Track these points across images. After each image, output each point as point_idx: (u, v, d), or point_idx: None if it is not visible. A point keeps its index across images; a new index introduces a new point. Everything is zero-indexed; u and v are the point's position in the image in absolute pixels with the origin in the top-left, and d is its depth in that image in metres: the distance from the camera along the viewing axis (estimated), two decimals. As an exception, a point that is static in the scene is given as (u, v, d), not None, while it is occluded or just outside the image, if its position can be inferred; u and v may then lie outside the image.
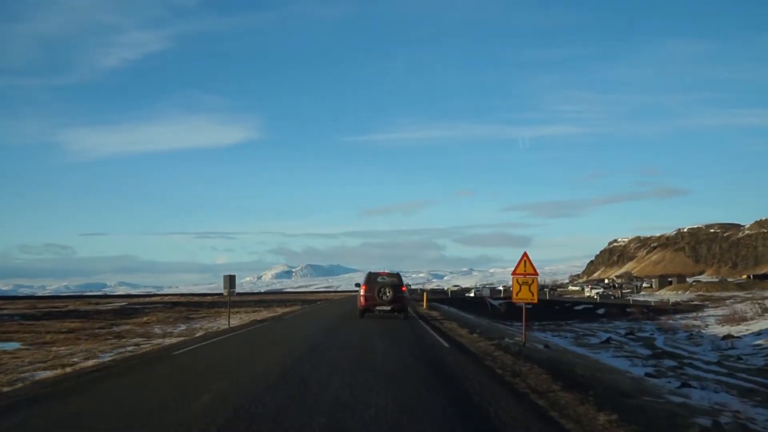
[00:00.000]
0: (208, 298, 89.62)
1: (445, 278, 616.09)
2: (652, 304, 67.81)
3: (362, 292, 23.29)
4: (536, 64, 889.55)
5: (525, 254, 14.86)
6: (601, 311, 56.75)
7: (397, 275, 24.01)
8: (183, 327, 25.78)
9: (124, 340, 19.92)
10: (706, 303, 67.84)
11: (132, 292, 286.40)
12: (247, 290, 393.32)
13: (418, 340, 16.50)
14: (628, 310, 55.16)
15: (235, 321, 26.97)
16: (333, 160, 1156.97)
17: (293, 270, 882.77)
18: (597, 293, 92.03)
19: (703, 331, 33.79)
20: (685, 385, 13.09)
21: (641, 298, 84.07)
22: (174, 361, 12.63)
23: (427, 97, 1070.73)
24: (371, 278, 23.48)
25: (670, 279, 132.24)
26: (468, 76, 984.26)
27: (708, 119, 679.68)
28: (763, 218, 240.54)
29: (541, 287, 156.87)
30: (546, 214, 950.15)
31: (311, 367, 10.75)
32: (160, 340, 18.95)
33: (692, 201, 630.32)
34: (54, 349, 17.55)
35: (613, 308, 58.02)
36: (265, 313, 34.50)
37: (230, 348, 15.42)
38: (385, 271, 24.18)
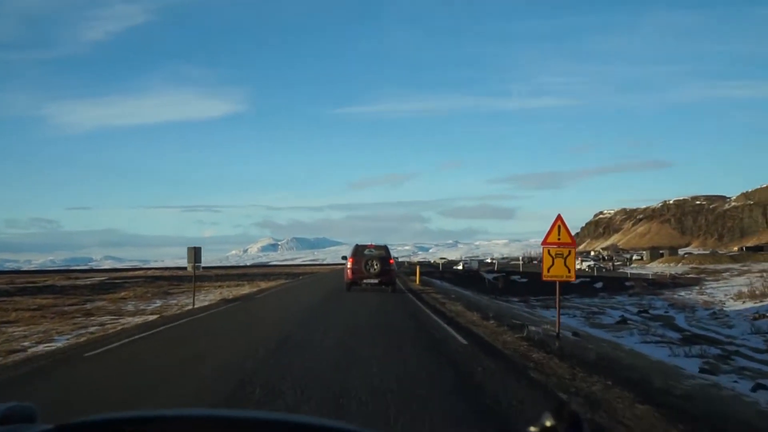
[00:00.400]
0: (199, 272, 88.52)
1: (431, 251, 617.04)
2: (650, 277, 65.97)
3: (349, 265, 23.04)
4: (523, 35, 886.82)
5: (559, 217, 11.77)
6: (598, 285, 54.22)
7: (385, 248, 23.75)
8: (159, 303, 23.95)
9: (92, 318, 18.33)
10: (702, 276, 66.28)
11: (117, 266, 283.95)
12: (233, 263, 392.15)
13: (424, 333, 12.52)
14: (627, 284, 53.18)
15: (215, 297, 24.83)
16: (319, 132, 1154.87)
17: (279, 243, 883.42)
18: (588, 266, 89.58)
19: (725, 308, 31.60)
20: (759, 386, 10.85)
21: (634, 271, 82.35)
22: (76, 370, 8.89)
23: (414, 69, 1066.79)
24: (358, 251, 23.26)
25: (661, 251, 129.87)
26: (456, 48, 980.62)
27: (693, 92, 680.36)
28: (750, 190, 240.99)
29: (530, 259, 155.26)
30: (531, 186, 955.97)
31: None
32: (129, 319, 16.98)
33: (676, 173, 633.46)
34: (11, 329, 15.78)
35: (611, 282, 56.06)
36: (247, 288, 32.45)
37: (166, 346, 11.31)
38: (372, 243, 23.94)
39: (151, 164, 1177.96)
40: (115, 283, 42.37)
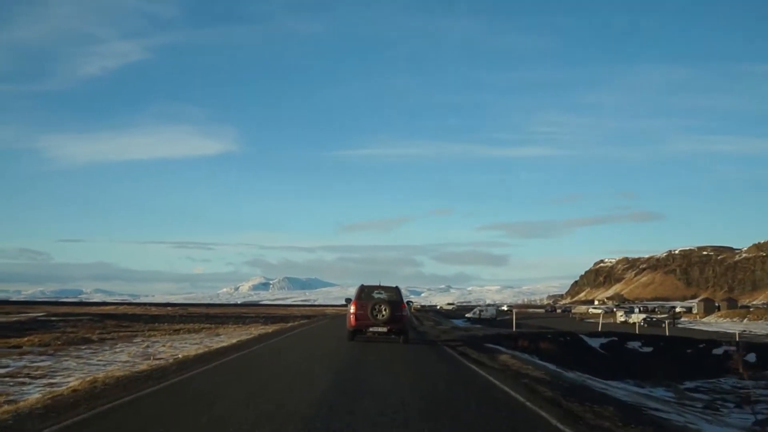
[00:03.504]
0: (168, 310, 78.87)
1: (423, 295, 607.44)
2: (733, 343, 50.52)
3: (352, 310, 19.48)
4: (515, 86, 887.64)
5: None
6: (719, 351, 35.60)
7: (396, 289, 20.53)
8: (48, 362, 13.67)
9: None
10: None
11: (107, 299, 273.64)
12: (224, 301, 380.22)
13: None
14: (716, 351, 38.98)
15: (134, 357, 14.60)
16: (312, 174, 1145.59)
17: (271, 282, 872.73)
18: (643, 320, 74.98)
19: None
20: None
21: (703, 327, 68.33)
22: None
23: (406, 115, 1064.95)
24: (364, 293, 20.09)
25: (717, 304, 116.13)
26: (448, 96, 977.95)
27: (683, 145, 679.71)
28: (762, 241, 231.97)
29: (552, 308, 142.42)
30: (522, 234, 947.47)
31: None
32: None
33: (669, 226, 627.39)
34: None
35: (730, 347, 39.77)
36: (220, 341, 22.21)
37: None
38: (381, 284, 20.74)
39: (143, 200, 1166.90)
40: (49, 321, 34.22)
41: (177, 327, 33.41)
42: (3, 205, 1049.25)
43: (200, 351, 16.83)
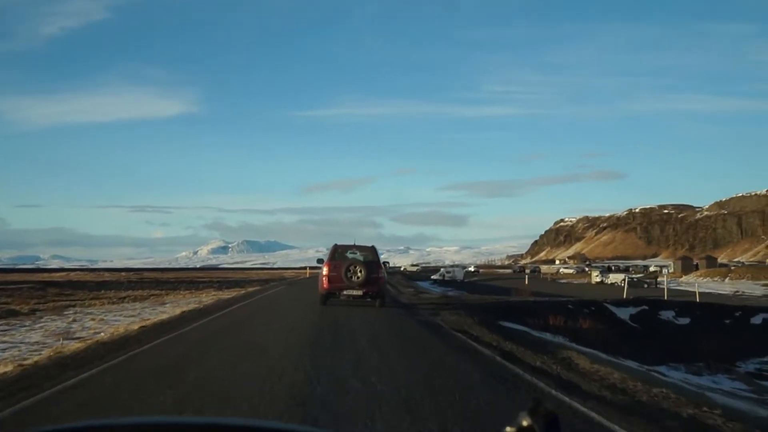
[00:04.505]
0: (121, 275, 74.12)
1: (382, 256, 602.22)
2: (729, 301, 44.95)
3: (325, 272, 18.01)
4: (479, 44, 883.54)
5: None
6: (756, 320, 30.64)
7: (372, 249, 19.37)
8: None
9: None
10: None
11: (65, 265, 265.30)
12: (182, 266, 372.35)
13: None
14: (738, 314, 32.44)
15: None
16: (272, 135, 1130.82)
17: (230, 246, 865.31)
18: (621, 280, 69.46)
19: None
20: None
21: (682, 288, 63.01)
22: None
23: (369, 74, 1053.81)
24: (338, 253, 18.74)
25: (696, 262, 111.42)
26: (411, 55, 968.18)
27: (647, 104, 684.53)
28: (723, 199, 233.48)
29: (520, 269, 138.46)
30: (484, 193, 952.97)
31: None
32: None
33: (631, 184, 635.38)
34: None
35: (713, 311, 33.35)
36: (165, 311, 19.33)
37: None
38: (356, 243, 19.37)
39: (102, 163, 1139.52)
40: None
41: (124, 295, 30.57)
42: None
43: (130, 328, 13.26)
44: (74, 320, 17.10)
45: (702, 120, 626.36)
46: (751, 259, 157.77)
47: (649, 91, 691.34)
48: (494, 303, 25.88)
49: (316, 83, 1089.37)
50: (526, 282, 61.70)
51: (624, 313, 29.66)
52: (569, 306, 28.06)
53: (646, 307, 31.91)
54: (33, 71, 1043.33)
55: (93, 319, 17.04)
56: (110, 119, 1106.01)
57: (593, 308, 29.15)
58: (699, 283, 66.33)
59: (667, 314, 31.22)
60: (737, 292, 57.16)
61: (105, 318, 17.50)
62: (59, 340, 11.87)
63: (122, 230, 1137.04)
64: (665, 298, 39.28)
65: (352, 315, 15.29)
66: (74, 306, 23.48)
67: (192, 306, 21.03)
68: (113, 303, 25.32)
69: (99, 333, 12.87)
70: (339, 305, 17.83)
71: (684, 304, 34.35)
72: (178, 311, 18.42)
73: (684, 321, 29.75)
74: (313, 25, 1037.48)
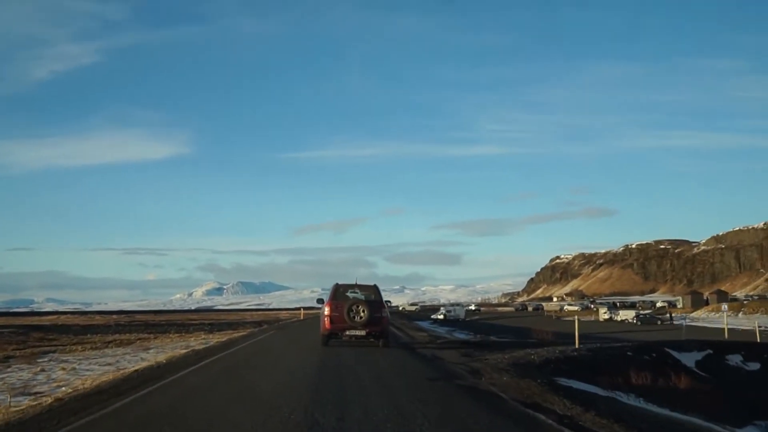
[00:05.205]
0: (113, 318, 72.88)
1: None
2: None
3: (327, 312, 17.58)
4: (467, 84, 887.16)
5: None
6: None
7: (374, 288, 19.05)
8: None
9: None
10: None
11: (59, 308, 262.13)
12: (177, 308, 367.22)
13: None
14: None
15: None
16: (264, 176, 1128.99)
17: (224, 287, 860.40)
18: (635, 317, 66.48)
19: None
20: None
21: (699, 324, 60.44)
22: None
23: (359, 115, 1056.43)
24: (339, 292, 18.35)
25: (706, 297, 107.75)
26: (400, 95, 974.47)
27: (636, 140, 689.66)
28: (721, 233, 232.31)
29: (522, 306, 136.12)
30: (476, 232, 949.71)
31: None
32: None
33: (620, 220, 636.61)
34: None
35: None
36: (149, 357, 17.87)
37: None
38: (358, 282, 19.17)
39: (94, 205, 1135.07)
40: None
41: (110, 339, 30.18)
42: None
43: (100, 380, 11.71)
44: (43, 369, 15.76)
45: (693, 156, 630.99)
46: (751, 293, 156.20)
47: (637, 127, 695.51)
48: (544, 358, 18.22)
49: (305, 124, 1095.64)
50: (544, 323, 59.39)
51: (689, 359, 25.59)
52: (628, 353, 24.05)
53: (711, 351, 27.92)
54: (23, 115, 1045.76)
55: (64, 369, 15.66)
56: (101, 162, 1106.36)
57: (654, 354, 25.08)
58: (713, 319, 64.30)
59: (735, 359, 27.52)
60: (761, 327, 54.71)
61: (77, 367, 16.40)
62: (8, 397, 9.98)
63: (116, 273, 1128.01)
64: (683, 337, 36.22)
65: (361, 376, 11.31)
66: (54, 352, 22.62)
67: (178, 352, 19.59)
68: (96, 348, 24.41)
69: (61, 387, 11.12)
70: (342, 349, 16.61)
71: (747, 346, 31.15)
72: (161, 358, 17.03)
73: (754, 366, 26.28)
74: (304, 66, 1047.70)
